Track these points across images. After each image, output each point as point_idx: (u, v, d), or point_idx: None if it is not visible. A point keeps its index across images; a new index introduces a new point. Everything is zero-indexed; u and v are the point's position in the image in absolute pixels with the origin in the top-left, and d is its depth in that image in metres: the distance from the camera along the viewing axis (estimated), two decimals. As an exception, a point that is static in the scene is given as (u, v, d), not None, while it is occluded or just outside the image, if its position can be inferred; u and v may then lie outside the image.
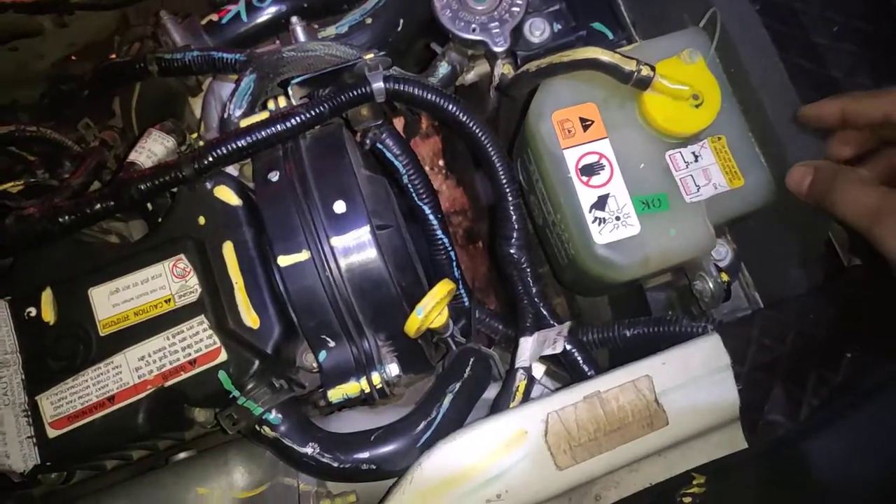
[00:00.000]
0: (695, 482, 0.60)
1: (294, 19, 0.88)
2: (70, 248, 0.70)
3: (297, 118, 0.69)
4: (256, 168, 0.70)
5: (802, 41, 0.79)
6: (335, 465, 0.63)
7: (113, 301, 0.67)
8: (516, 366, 0.69)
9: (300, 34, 0.86)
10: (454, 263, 0.85)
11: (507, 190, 0.76)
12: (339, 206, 0.66)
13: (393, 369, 0.67)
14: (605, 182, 0.71)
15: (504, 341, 0.86)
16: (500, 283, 1.44)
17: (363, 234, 0.65)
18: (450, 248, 0.84)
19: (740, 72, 0.73)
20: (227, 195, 0.69)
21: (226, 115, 0.74)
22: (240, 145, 0.68)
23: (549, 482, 0.59)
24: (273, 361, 0.66)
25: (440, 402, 0.66)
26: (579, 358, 0.70)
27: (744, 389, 0.64)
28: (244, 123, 0.71)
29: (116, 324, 0.66)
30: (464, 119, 0.74)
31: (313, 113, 0.69)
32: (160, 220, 0.71)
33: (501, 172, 0.75)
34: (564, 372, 0.75)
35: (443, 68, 0.86)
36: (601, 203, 0.71)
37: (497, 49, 0.80)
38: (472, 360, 0.71)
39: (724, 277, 0.75)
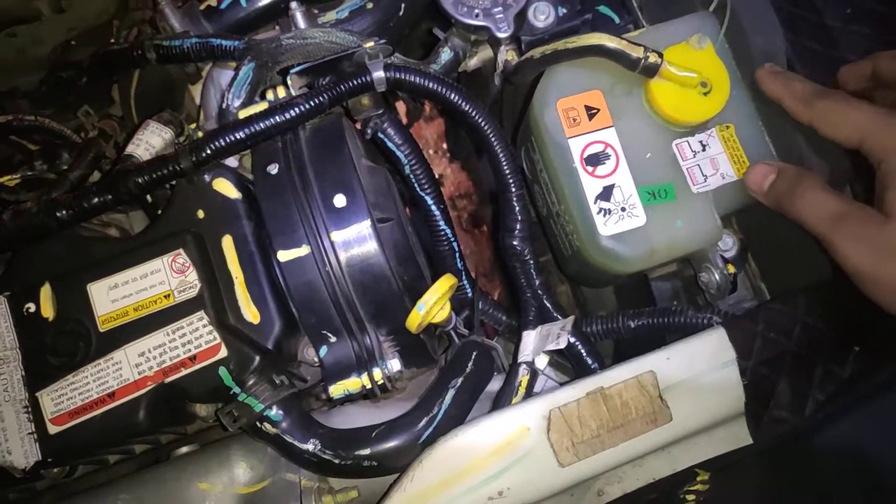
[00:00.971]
0: (699, 478, 0.59)
1: (294, 4, 0.86)
2: (68, 243, 0.69)
3: (297, 109, 0.67)
4: (255, 160, 0.69)
5: (815, 23, 0.77)
6: (336, 461, 0.63)
7: (112, 296, 0.66)
8: (519, 360, 0.68)
9: (300, 20, 0.84)
10: (457, 254, 0.84)
11: (511, 181, 0.74)
12: (340, 200, 0.65)
13: (394, 365, 0.66)
14: (610, 172, 0.70)
15: (507, 332, 0.86)
16: (503, 271, 1.43)
17: (364, 228, 0.65)
18: (452, 239, 0.82)
19: (749, 58, 0.71)
20: (226, 188, 0.68)
21: (224, 106, 0.73)
22: (238, 137, 0.67)
23: (551, 479, 0.58)
24: (274, 357, 0.65)
25: (442, 397, 0.66)
26: (583, 350, 0.70)
27: (749, 384, 0.63)
28: (243, 114, 0.69)
29: (116, 319, 0.66)
30: (466, 108, 0.73)
31: (313, 103, 0.68)
32: (159, 212, 0.70)
33: (504, 163, 0.73)
34: (568, 363, 0.74)
35: (445, 55, 0.84)
36: (606, 193, 0.70)
37: (501, 35, 0.78)
38: (474, 353, 0.71)
39: (731, 269, 0.73)
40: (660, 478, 0.63)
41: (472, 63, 0.89)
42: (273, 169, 0.67)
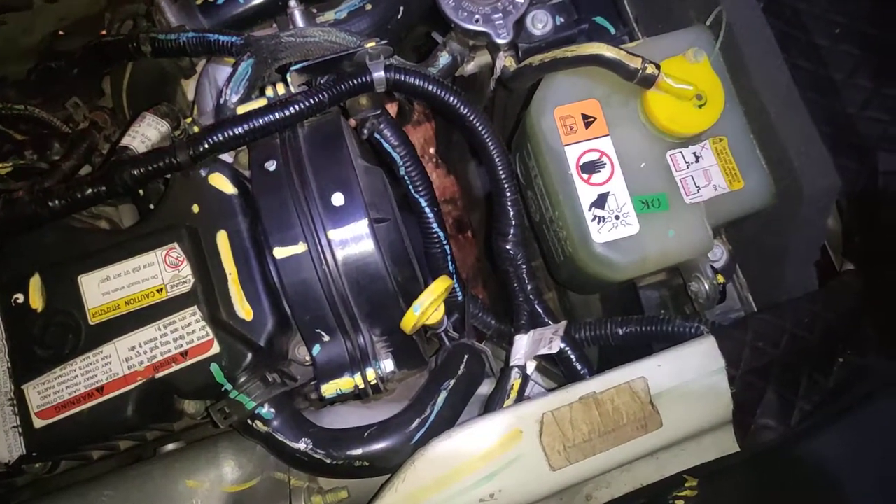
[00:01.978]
0: (687, 485, 0.60)
1: (292, 2, 0.86)
2: (60, 234, 0.68)
3: (296, 106, 0.67)
4: (253, 156, 0.69)
5: (804, 42, 0.79)
6: (328, 461, 0.62)
7: (103, 289, 0.65)
8: (511, 364, 0.68)
9: (298, 18, 0.84)
10: (449, 257, 0.84)
11: (506, 185, 0.75)
12: (338, 199, 0.65)
13: (387, 365, 0.66)
14: (605, 180, 0.71)
15: (496, 336, 0.86)
16: (491, 276, 1.43)
17: (361, 227, 0.65)
18: (445, 242, 0.83)
19: (744, 72, 0.72)
20: (222, 183, 0.68)
21: (222, 101, 0.73)
22: (237, 132, 0.66)
23: (542, 482, 0.59)
24: (266, 354, 0.65)
25: (434, 399, 0.66)
26: (573, 356, 0.70)
27: (737, 392, 0.64)
28: (241, 110, 0.69)
29: (106, 313, 0.65)
30: (464, 112, 0.73)
31: (313, 101, 0.68)
32: (153, 206, 0.70)
33: (500, 167, 0.74)
34: (556, 369, 0.74)
35: (443, 58, 0.85)
36: (601, 201, 0.70)
37: (500, 41, 0.78)
38: (466, 356, 0.71)
39: (720, 279, 0.74)
40: (648, 483, 0.63)
41: (470, 68, 0.89)
42: (271, 165, 0.67)
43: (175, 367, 0.64)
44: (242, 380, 0.63)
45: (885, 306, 0.73)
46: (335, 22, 0.89)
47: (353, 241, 0.65)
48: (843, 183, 0.73)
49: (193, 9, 0.94)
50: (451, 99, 0.72)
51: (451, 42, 0.85)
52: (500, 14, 0.79)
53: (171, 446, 0.72)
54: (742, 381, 0.65)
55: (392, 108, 1.40)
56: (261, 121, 0.67)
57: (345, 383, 0.66)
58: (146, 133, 0.73)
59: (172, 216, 0.68)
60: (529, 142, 0.76)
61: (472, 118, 0.73)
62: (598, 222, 0.70)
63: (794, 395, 0.67)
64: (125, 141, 0.72)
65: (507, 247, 0.76)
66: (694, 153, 0.72)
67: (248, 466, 0.67)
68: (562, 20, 0.87)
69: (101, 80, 1.06)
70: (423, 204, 0.81)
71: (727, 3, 0.73)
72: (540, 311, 0.74)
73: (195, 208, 0.68)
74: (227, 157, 0.73)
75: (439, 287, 0.64)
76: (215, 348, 0.64)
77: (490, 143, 0.73)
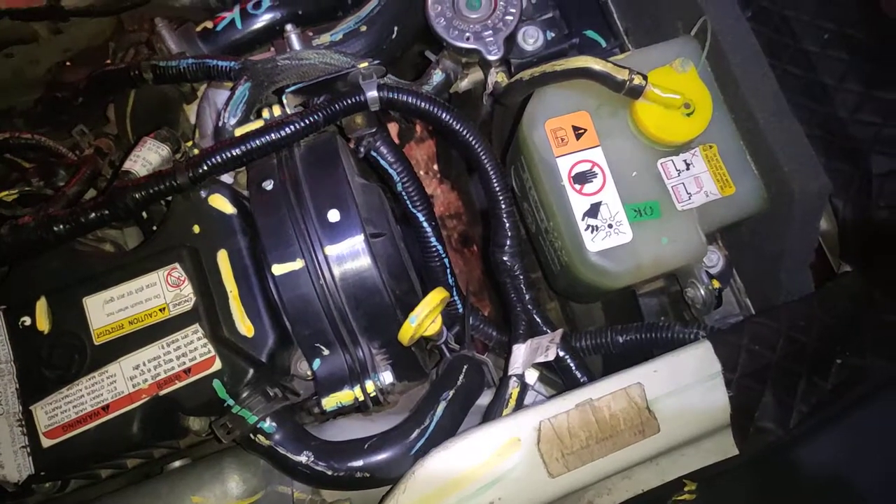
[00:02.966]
0: (686, 489, 0.60)
1: (289, 27, 0.88)
2: (65, 257, 0.70)
3: (292, 127, 0.69)
4: (251, 176, 0.71)
5: (794, 48, 0.80)
6: (329, 472, 0.63)
7: (107, 310, 0.67)
8: (509, 373, 0.69)
9: (295, 42, 0.86)
10: (448, 270, 0.85)
11: (501, 198, 0.76)
12: (333, 215, 0.66)
13: (387, 377, 0.67)
14: (597, 190, 0.72)
15: (498, 347, 0.87)
16: (494, 289, 1.44)
17: (357, 242, 0.66)
18: (443, 255, 0.84)
19: (731, 80, 0.74)
20: (222, 204, 0.70)
21: (220, 124, 0.75)
22: (234, 154, 0.68)
23: (541, 490, 0.59)
24: (267, 369, 0.66)
25: (434, 409, 0.66)
26: (572, 364, 0.71)
27: (734, 396, 0.65)
28: (239, 132, 0.71)
29: (111, 333, 0.66)
30: (458, 128, 0.75)
31: (308, 122, 0.70)
32: (155, 228, 0.72)
33: (495, 180, 0.75)
34: (557, 377, 0.75)
35: (437, 76, 0.86)
36: (594, 211, 0.71)
37: (491, 57, 0.80)
38: (465, 367, 0.72)
39: (716, 284, 0.75)
40: (648, 488, 0.64)
41: (464, 85, 0.91)
42: (268, 185, 0.69)
43: (178, 385, 0.65)
44: (244, 395, 0.65)
45: (883, 308, 0.74)
46: (331, 44, 0.92)
47: (350, 256, 0.66)
48: (838, 186, 0.74)
49: (193, 36, 0.96)
50: (444, 115, 0.74)
51: (443, 60, 0.86)
52: (491, 31, 0.80)
53: (177, 463, 0.73)
54: (739, 385, 0.66)
55: (393, 130, 1.43)
56: (257, 142, 0.69)
57: (345, 396, 0.67)
58: (147, 157, 0.75)
59: (174, 237, 0.69)
60: (522, 154, 0.77)
61: (465, 133, 0.74)
62: (592, 231, 0.71)
63: (791, 398, 0.67)
64: (127, 165, 0.74)
65: (504, 258, 0.77)
66: (684, 161, 0.73)
67: (253, 481, 0.68)
68: (552, 35, 0.89)
69: (105, 108, 1.09)
70: (421, 218, 0.82)
71: (712, 14, 0.74)
72: (538, 320, 0.75)
73: (196, 229, 0.69)
74: (226, 178, 0.75)
75: (435, 298, 0.65)
76: (217, 365, 0.65)
77: (484, 157, 0.75)
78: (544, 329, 0.74)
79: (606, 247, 0.71)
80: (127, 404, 0.65)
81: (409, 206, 0.82)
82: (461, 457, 0.59)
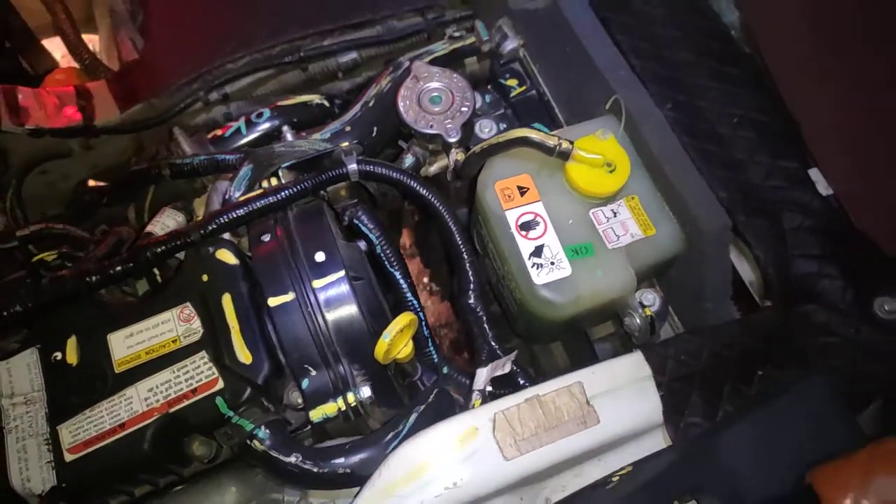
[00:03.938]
0: (623, 470, 0.69)
1: (285, 128, 1.07)
2: (93, 304, 0.83)
3: (286, 192, 0.84)
4: (251, 234, 0.85)
5: (710, 131, 0.98)
6: (315, 470, 0.72)
7: (127, 343, 0.78)
8: (473, 388, 0.80)
9: (290, 138, 1.04)
10: (423, 323, 0.97)
11: (462, 249, 0.90)
12: (320, 256, 0.80)
13: (365, 391, 0.78)
14: (540, 235, 0.86)
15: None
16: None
17: (339, 276, 0.79)
18: (419, 310, 0.96)
19: (643, 144, 0.90)
20: (227, 256, 0.83)
21: (227, 196, 0.90)
22: (238, 214, 0.83)
23: (498, 471, 0.68)
24: (263, 390, 0.77)
25: (407, 419, 0.76)
26: (521, 376, 0.82)
27: (665, 395, 0.75)
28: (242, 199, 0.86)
29: (130, 362, 0.78)
30: (423, 192, 0.90)
31: (300, 188, 0.85)
32: (169, 277, 0.85)
33: (456, 233, 0.89)
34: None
35: (408, 160, 1.04)
36: (538, 251, 0.85)
37: (451, 139, 0.97)
38: (436, 390, 0.82)
39: (648, 312, 0.87)
40: (596, 481, 0.72)
41: (432, 169, 1.08)
42: (266, 237, 0.83)
43: (186, 402, 0.75)
44: (242, 409, 0.75)
45: (797, 333, 0.85)
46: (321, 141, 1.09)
47: (333, 286, 0.79)
48: (758, 240, 0.88)
49: (205, 142, 1.14)
50: (411, 182, 0.90)
51: (413, 146, 1.04)
52: (450, 119, 0.99)
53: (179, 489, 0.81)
54: (669, 387, 0.76)
55: (406, 236, 1.59)
56: (257, 204, 0.84)
57: (329, 408, 0.77)
58: (166, 222, 0.90)
59: (186, 284, 0.82)
60: (479, 213, 0.92)
61: (428, 196, 0.90)
62: (538, 268, 0.84)
63: (718, 399, 0.77)
64: (148, 228, 0.88)
65: (469, 301, 0.90)
66: (612, 210, 0.88)
67: (248, 492, 0.76)
68: (504, 126, 1.07)
69: (126, 209, 1.25)
70: (398, 276, 0.95)
71: (623, 94, 0.92)
72: (496, 348, 0.86)
73: (205, 277, 0.82)
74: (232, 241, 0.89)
75: (403, 319, 0.77)
76: (220, 384, 0.76)
77: (445, 215, 0.90)
78: (502, 356, 0.86)
79: (550, 280, 0.84)
80: (141, 421, 0.75)
81: (387, 265, 0.96)
82: (427, 446, 0.69)
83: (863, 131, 1.03)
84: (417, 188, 0.90)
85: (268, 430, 0.74)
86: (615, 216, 0.88)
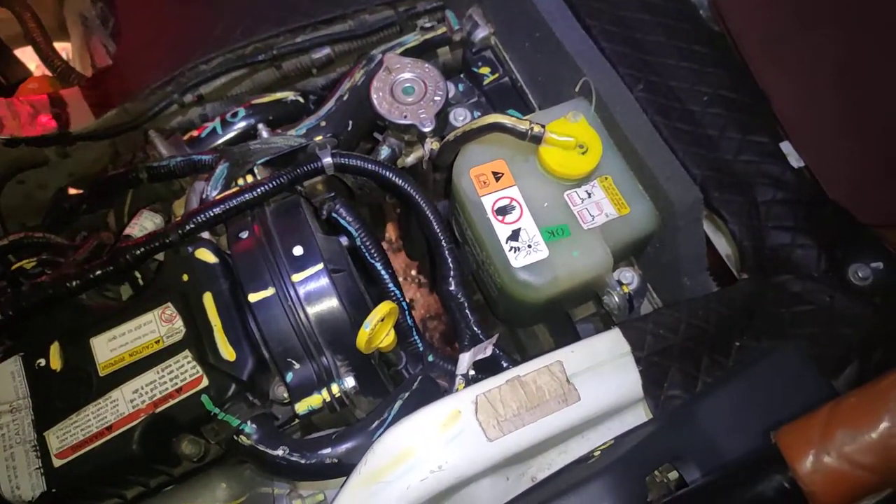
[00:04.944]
0: (605, 443, 0.70)
1: (260, 126, 1.07)
2: (74, 309, 0.83)
3: (262, 188, 0.85)
4: (230, 232, 0.86)
5: (681, 109, 0.99)
6: (303, 461, 0.73)
7: (111, 346, 0.79)
8: (456, 373, 0.81)
9: (265, 135, 1.04)
10: (406, 312, 0.98)
11: (441, 237, 0.91)
12: (298, 250, 0.81)
13: (349, 381, 0.79)
14: (516, 219, 0.87)
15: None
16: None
17: (317, 269, 0.80)
18: (401, 299, 0.97)
19: (614, 125, 0.91)
20: (207, 255, 0.84)
21: (204, 196, 0.91)
22: (215, 212, 0.83)
23: (481, 452, 0.69)
24: (248, 386, 0.77)
25: (391, 406, 0.77)
26: (503, 358, 0.83)
27: (644, 370, 0.76)
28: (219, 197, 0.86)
29: (114, 365, 0.78)
30: (398, 182, 0.91)
31: (274, 183, 0.86)
32: (149, 279, 0.85)
33: (434, 222, 0.90)
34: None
35: (384, 151, 1.04)
36: (515, 235, 0.86)
37: (425, 129, 0.98)
38: (420, 377, 0.83)
39: (626, 290, 0.88)
40: (580, 457, 0.74)
41: (409, 160, 1.09)
42: (244, 234, 0.84)
43: (172, 402, 0.76)
44: (228, 405, 0.75)
45: (774, 303, 0.86)
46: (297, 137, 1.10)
47: (312, 279, 0.79)
48: (732, 214, 0.89)
49: (181, 143, 1.14)
50: (387, 173, 0.91)
51: (388, 138, 1.04)
52: (423, 110, 0.99)
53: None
54: (647, 362, 0.77)
55: (391, 230, 1.60)
56: (234, 201, 0.84)
57: (314, 400, 0.78)
58: (144, 224, 0.90)
59: (166, 284, 0.83)
60: (456, 200, 0.93)
61: (404, 186, 0.91)
62: (515, 252, 0.85)
63: (696, 371, 0.79)
64: (127, 231, 0.88)
65: (451, 288, 0.91)
66: (586, 191, 0.89)
67: (238, 487, 0.77)
68: (479, 114, 1.08)
69: (106, 215, 1.25)
70: (379, 267, 0.96)
71: (592, 77, 0.93)
72: (479, 332, 0.87)
73: (185, 277, 0.83)
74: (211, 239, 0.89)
75: (383, 308, 0.78)
76: (204, 382, 0.76)
77: (422, 203, 0.90)
78: (484, 340, 0.87)
79: (528, 262, 0.85)
80: (128, 423, 0.75)
81: (368, 257, 0.96)
82: (412, 430, 0.70)
83: (830, 102, 1.05)
84: (393, 178, 0.90)
85: (254, 425, 0.75)
86: (589, 197, 0.89)
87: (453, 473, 0.68)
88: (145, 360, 0.78)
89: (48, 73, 1.54)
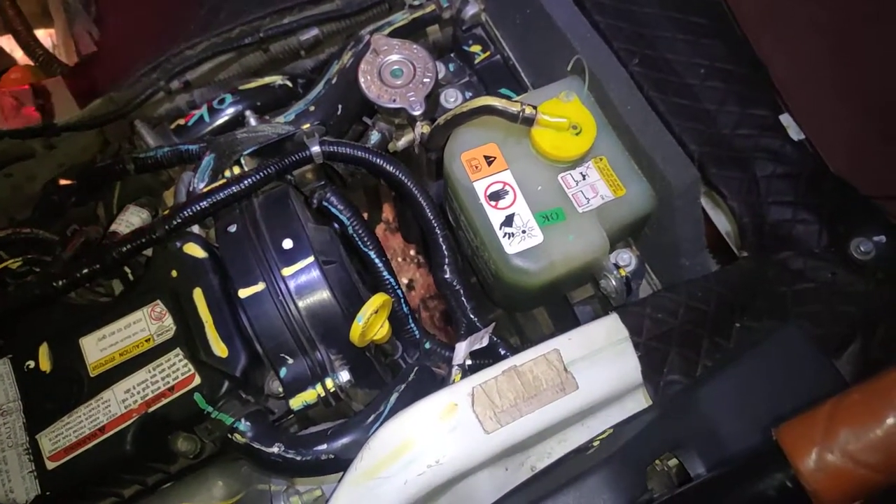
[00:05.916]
0: (604, 432, 0.69)
1: (248, 112, 1.04)
2: (63, 308, 0.82)
3: (250, 180, 0.83)
4: (218, 225, 0.84)
5: (678, 84, 0.96)
6: (299, 458, 0.72)
7: (101, 346, 0.78)
8: (453, 363, 0.79)
9: (253, 123, 1.02)
10: (402, 300, 0.96)
11: (435, 224, 0.89)
12: (287, 244, 0.79)
13: (344, 375, 0.77)
14: (510, 204, 0.85)
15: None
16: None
17: (308, 262, 0.78)
18: (396, 287, 0.95)
19: (609, 104, 0.89)
20: (195, 250, 0.82)
21: (191, 189, 0.89)
22: (203, 206, 0.81)
23: (480, 445, 0.68)
24: (241, 383, 0.76)
25: (387, 399, 0.76)
26: (500, 346, 0.81)
27: (643, 356, 0.75)
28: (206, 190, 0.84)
29: (104, 365, 0.77)
30: (390, 169, 0.89)
31: (262, 175, 0.83)
32: (138, 276, 0.83)
33: (427, 209, 0.88)
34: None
35: (374, 136, 1.02)
36: (509, 221, 0.84)
37: (414, 112, 0.96)
38: (416, 368, 0.82)
39: (623, 273, 0.87)
40: (580, 446, 0.73)
41: (400, 144, 1.06)
42: (232, 228, 0.82)
43: (165, 401, 0.75)
44: (221, 403, 0.74)
45: (775, 282, 0.85)
46: (285, 124, 1.07)
47: (303, 273, 0.78)
48: (732, 190, 0.87)
49: (168, 132, 1.12)
50: (377, 159, 0.88)
51: (378, 122, 1.02)
52: (413, 93, 0.96)
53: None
54: (646, 347, 0.76)
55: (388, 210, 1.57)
56: (221, 194, 0.82)
57: (309, 395, 0.77)
58: (130, 220, 0.88)
59: (155, 281, 0.81)
60: (448, 186, 0.91)
61: (395, 172, 0.88)
62: (509, 238, 0.83)
63: (696, 355, 0.77)
64: (113, 227, 0.87)
65: (446, 276, 0.90)
66: (581, 173, 0.87)
67: (235, 485, 0.76)
68: (470, 94, 1.05)
69: (95, 207, 1.23)
70: (372, 255, 0.94)
71: (585, 54, 0.90)
72: (475, 320, 0.86)
73: (174, 273, 0.81)
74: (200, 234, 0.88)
75: (376, 301, 0.77)
76: (197, 380, 0.75)
77: (415, 191, 0.88)
78: (481, 328, 0.85)
79: (522, 248, 0.83)
80: (120, 423, 0.74)
81: (361, 245, 0.95)
82: (408, 424, 0.69)
83: (831, 71, 1.02)
84: (383, 165, 0.88)
85: (248, 423, 0.74)
86: (584, 179, 0.87)
87: (451, 467, 0.68)
88: (136, 359, 0.77)
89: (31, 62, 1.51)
